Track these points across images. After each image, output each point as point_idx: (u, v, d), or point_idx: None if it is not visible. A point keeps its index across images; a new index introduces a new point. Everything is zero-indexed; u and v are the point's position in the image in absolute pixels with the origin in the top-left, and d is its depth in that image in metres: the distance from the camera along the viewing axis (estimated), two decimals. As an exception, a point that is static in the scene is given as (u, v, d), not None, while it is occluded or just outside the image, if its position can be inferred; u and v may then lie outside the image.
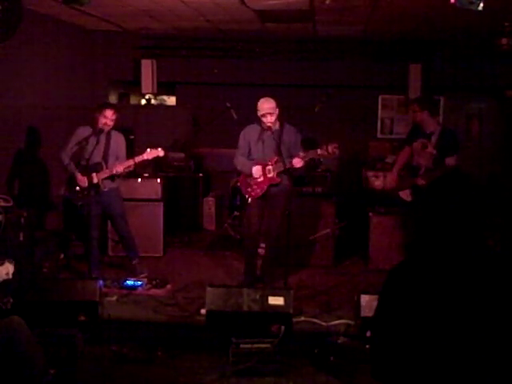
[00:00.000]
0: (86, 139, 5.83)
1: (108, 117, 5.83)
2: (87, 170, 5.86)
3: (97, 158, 5.89)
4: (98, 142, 5.84)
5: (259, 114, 5.58)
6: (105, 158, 5.93)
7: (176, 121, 8.85)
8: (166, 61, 8.94)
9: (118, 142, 6.05)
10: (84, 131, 5.93)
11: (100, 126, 5.84)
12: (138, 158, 5.88)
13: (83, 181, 5.84)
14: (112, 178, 5.97)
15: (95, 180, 5.85)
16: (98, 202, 5.91)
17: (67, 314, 4.58)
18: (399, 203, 6.06)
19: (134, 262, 6.19)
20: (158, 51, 8.92)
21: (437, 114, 6.19)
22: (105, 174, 5.89)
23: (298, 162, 5.47)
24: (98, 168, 5.88)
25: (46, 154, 7.16)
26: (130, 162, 5.89)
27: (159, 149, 5.93)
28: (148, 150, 5.93)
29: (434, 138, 5.73)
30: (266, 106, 5.55)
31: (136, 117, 8.67)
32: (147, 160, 5.97)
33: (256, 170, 5.60)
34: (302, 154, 5.52)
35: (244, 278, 5.84)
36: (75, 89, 8.21)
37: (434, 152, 5.65)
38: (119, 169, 5.86)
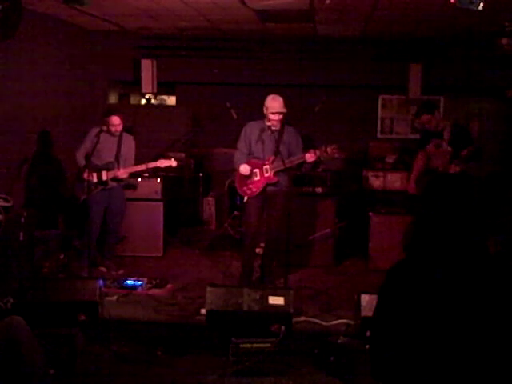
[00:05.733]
0: (98, 137, 5.99)
1: (115, 124, 6.10)
2: (98, 168, 6.09)
3: (108, 157, 6.15)
4: (110, 142, 6.12)
5: (269, 111, 5.53)
6: (117, 158, 6.19)
7: (176, 121, 8.85)
8: (166, 61, 8.93)
9: (129, 145, 6.33)
10: (98, 131, 6.09)
11: (112, 131, 6.11)
12: (151, 165, 6.21)
13: (89, 176, 6.00)
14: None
15: (104, 177, 6.10)
16: (102, 200, 6.11)
17: (67, 314, 4.58)
18: (408, 200, 6.11)
19: (108, 261, 6.41)
20: (158, 51, 8.91)
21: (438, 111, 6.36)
22: (113, 174, 6.15)
23: (310, 157, 5.46)
24: (109, 167, 6.14)
25: (48, 154, 7.17)
26: (143, 167, 6.19)
27: (172, 159, 6.27)
28: (161, 159, 6.28)
29: (446, 134, 5.80)
30: (278, 105, 5.53)
31: (136, 117, 8.65)
32: (159, 167, 6.29)
33: (243, 169, 5.61)
34: (309, 152, 5.49)
35: (239, 281, 5.83)
36: (75, 89, 8.21)
37: (450, 149, 5.70)
38: (124, 174, 6.17)
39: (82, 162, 6.13)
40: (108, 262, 6.44)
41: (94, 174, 6.06)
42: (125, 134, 6.31)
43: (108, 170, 6.13)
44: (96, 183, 6.06)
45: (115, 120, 6.09)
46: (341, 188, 7.48)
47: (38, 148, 7.14)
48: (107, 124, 6.10)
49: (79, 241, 6.46)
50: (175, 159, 8.30)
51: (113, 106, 6.31)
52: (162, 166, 6.23)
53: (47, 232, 6.57)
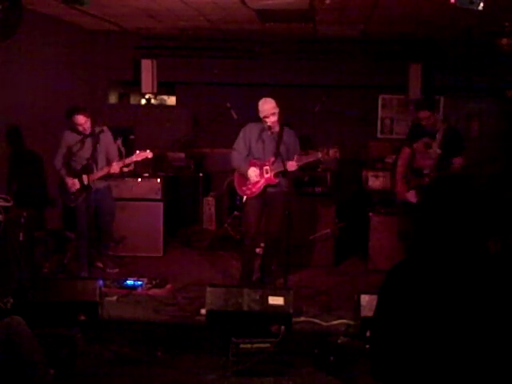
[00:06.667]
0: (76, 143, 5.95)
1: (81, 123, 5.89)
2: (78, 172, 5.99)
3: (86, 159, 5.99)
4: (84, 143, 5.96)
5: (262, 115, 5.57)
6: (94, 158, 6.02)
7: (176, 121, 8.86)
8: (166, 61, 8.94)
9: (107, 140, 6.15)
10: (71, 135, 6.02)
11: (80, 131, 5.93)
12: (128, 160, 6.05)
13: (73, 184, 5.97)
14: (106, 176, 6.12)
15: (86, 181, 5.97)
16: (89, 202, 6.03)
17: (67, 314, 4.58)
18: (401, 204, 6.00)
19: (104, 257, 6.43)
20: (157, 51, 8.91)
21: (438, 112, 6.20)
22: (97, 174, 6.03)
23: (291, 166, 5.48)
24: (88, 170, 5.99)
25: (46, 153, 7.16)
26: (120, 164, 6.03)
27: (147, 150, 6.03)
28: (137, 151, 6.07)
29: (438, 136, 5.65)
30: (268, 107, 5.55)
31: (136, 117, 8.66)
32: (136, 161, 6.09)
33: (252, 172, 5.60)
34: (296, 156, 5.53)
35: (239, 281, 5.82)
36: (75, 89, 8.21)
37: (439, 151, 5.59)
38: (116, 169, 5.99)
39: (62, 171, 6.03)
40: (105, 258, 6.46)
41: (75, 181, 5.96)
42: (98, 129, 6.04)
43: (87, 173, 5.97)
44: (80, 189, 5.97)
45: (80, 119, 5.85)
46: (341, 188, 7.48)
47: (13, 147, 6.87)
48: (73, 125, 5.90)
49: (77, 242, 6.46)
50: (174, 159, 8.39)
51: (75, 105, 6.09)
52: (139, 159, 6.02)
53: (47, 232, 6.57)
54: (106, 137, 6.14)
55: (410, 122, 8.13)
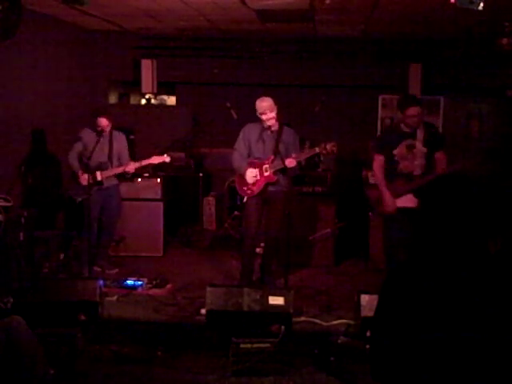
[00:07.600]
0: (91, 139, 6.14)
1: (103, 125, 6.16)
2: (91, 169, 6.12)
3: (101, 157, 6.21)
4: (101, 142, 6.11)
5: (258, 112, 5.60)
6: (110, 157, 6.27)
7: (176, 121, 8.85)
8: (165, 61, 8.94)
9: (121, 142, 6.42)
10: (89, 133, 6.24)
11: (98, 131, 6.16)
12: (145, 162, 6.25)
13: (84, 179, 6.06)
14: (119, 175, 6.37)
15: (99, 177, 6.16)
16: (98, 199, 6.17)
17: (67, 314, 4.58)
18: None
19: (101, 261, 6.44)
20: (157, 51, 8.92)
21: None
22: (112, 171, 6.25)
23: (290, 162, 5.48)
24: (103, 167, 6.22)
25: (46, 153, 7.18)
26: (137, 165, 6.26)
27: (165, 155, 6.28)
28: (154, 156, 6.25)
29: (420, 134, 5.33)
30: (265, 104, 5.58)
31: (136, 117, 8.66)
32: (153, 164, 6.33)
33: (249, 173, 5.61)
34: (294, 154, 5.53)
35: (240, 281, 5.82)
36: (75, 89, 8.21)
37: (425, 150, 5.37)
38: (132, 168, 6.24)
39: (76, 165, 6.21)
40: (101, 261, 6.45)
41: (86, 176, 6.07)
42: (115, 132, 6.38)
43: (102, 170, 6.20)
44: (91, 184, 6.07)
45: (103, 121, 6.15)
46: (341, 188, 7.48)
47: (33, 147, 7.13)
48: (96, 126, 6.17)
49: (79, 241, 6.47)
50: (174, 159, 8.38)
51: (101, 107, 6.43)
52: (156, 162, 6.25)
53: (47, 232, 6.58)
54: (121, 139, 6.43)
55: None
